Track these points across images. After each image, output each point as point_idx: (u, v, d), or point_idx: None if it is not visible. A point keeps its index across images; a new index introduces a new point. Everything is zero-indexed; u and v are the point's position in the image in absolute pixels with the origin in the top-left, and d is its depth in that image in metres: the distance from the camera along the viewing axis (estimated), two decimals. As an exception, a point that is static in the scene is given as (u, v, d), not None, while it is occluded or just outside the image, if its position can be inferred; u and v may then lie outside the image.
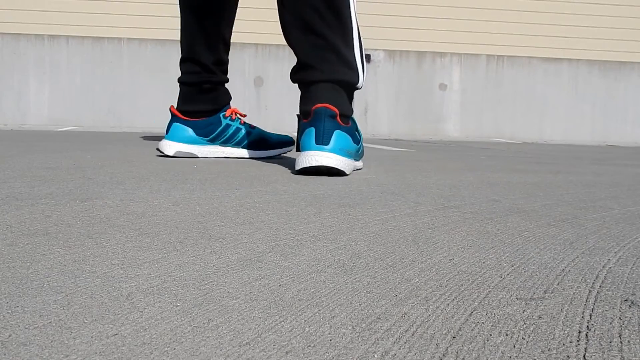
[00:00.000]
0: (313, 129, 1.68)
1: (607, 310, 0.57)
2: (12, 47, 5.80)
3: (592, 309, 0.58)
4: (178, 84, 2.23)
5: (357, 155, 1.81)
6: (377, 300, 0.59)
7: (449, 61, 6.34)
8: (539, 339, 0.50)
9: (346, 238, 0.86)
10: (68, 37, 5.86)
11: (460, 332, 0.51)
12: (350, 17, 1.82)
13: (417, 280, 0.66)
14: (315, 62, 1.79)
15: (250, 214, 1.02)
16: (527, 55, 6.41)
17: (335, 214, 1.05)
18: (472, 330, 0.52)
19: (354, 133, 1.77)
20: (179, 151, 2.12)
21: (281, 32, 1.90)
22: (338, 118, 1.68)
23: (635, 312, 0.57)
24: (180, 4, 2.21)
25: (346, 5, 1.81)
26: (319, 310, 0.56)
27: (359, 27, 1.86)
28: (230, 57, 2.28)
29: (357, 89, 1.84)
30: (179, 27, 2.22)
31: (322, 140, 1.66)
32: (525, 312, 0.56)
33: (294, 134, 3.15)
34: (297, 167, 1.67)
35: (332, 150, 1.64)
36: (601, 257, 0.79)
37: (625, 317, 0.56)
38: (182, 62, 2.20)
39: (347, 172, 1.67)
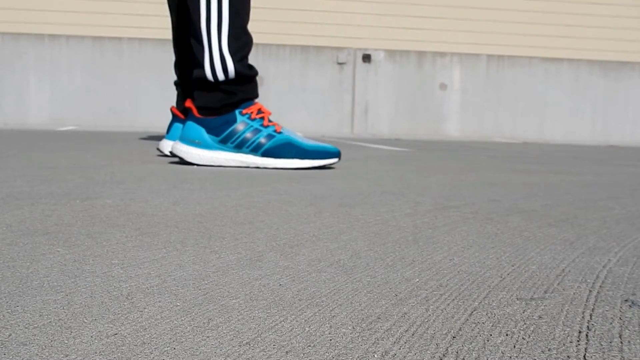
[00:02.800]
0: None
1: (607, 311, 0.57)
2: (12, 46, 5.80)
3: (593, 309, 0.58)
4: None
5: (229, 146, 1.85)
6: (377, 300, 0.59)
7: (449, 61, 6.34)
8: (539, 339, 0.50)
9: (346, 238, 0.86)
10: (68, 36, 5.85)
11: (460, 332, 0.51)
12: (199, 10, 1.83)
13: (417, 280, 0.66)
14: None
15: (250, 214, 1.02)
16: (527, 55, 6.41)
17: (335, 214, 1.05)
18: (472, 330, 0.52)
19: (218, 125, 1.84)
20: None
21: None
22: (195, 111, 1.86)
23: (636, 312, 0.57)
24: None
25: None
26: (319, 310, 0.56)
27: (233, 18, 1.82)
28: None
29: (216, 82, 1.84)
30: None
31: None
32: (525, 312, 0.56)
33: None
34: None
35: (180, 140, 1.87)
36: (601, 257, 0.79)
37: (626, 317, 0.56)
38: None
39: (187, 160, 1.84)
